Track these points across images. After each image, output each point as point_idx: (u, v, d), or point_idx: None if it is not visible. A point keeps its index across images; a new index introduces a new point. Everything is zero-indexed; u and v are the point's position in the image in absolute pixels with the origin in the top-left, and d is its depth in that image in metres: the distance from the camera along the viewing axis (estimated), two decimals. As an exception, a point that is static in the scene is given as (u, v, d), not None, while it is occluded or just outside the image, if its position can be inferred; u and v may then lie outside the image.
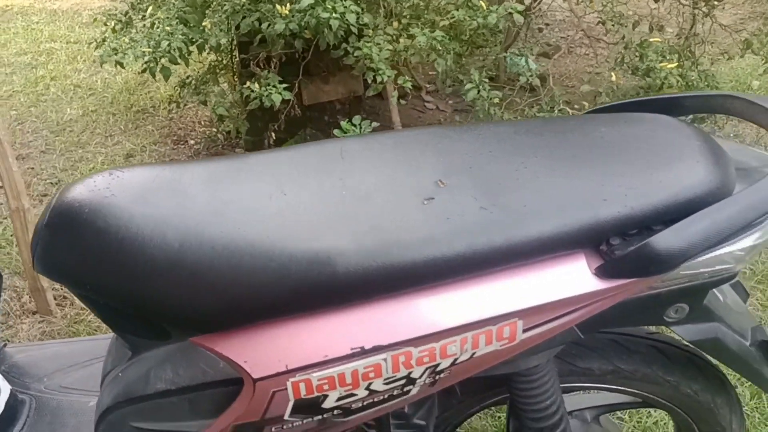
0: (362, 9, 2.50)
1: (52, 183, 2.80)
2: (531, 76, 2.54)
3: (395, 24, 2.48)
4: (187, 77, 2.87)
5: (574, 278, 0.83)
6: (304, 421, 0.92)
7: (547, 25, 4.82)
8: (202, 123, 3.22)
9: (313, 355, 0.85)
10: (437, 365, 0.86)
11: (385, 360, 0.85)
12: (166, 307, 0.89)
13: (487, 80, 2.45)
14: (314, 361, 0.85)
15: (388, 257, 0.82)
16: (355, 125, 2.38)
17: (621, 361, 1.07)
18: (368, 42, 2.36)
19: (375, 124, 2.43)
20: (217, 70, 2.90)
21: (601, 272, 0.82)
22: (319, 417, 0.92)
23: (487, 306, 0.83)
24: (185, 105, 3.11)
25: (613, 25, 2.55)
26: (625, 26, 2.54)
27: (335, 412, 0.91)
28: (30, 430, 1.31)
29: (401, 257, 0.82)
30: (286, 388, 0.87)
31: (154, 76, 2.49)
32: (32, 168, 2.89)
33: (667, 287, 0.86)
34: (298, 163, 0.99)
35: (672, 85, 2.45)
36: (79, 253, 0.90)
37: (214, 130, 3.11)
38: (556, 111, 2.56)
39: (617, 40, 2.64)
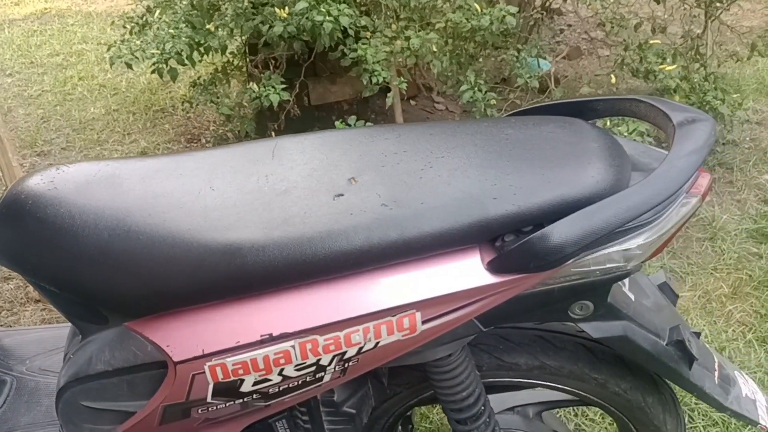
0: (360, 12, 2.56)
1: (69, 179, 2.92)
2: (530, 77, 2.55)
3: (394, 26, 2.53)
4: (199, 78, 2.97)
5: (467, 272, 0.87)
6: (227, 404, 0.98)
7: (569, 26, 4.79)
8: (216, 122, 3.32)
9: (226, 341, 0.91)
10: (344, 353, 0.91)
11: (293, 347, 0.90)
12: (99, 292, 0.96)
13: (482, 82, 2.48)
14: (227, 346, 0.91)
15: (294, 250, 0.87)
16: (350, 126, 2.44)
17: (547, 357, 1.09)
18: (364, 44, 2.41)
19: (369, 124, 2.48)
20: (228, 71, 2.99)
21: (492, 267, 0.86)
22: (240, 400, 0.98)
23: (386, 297, 0.88)
24: (199, 105, 3.20)
25: (612, 27, 2.55)
26: (626, 28, 2.53)
27: (254, 396, 0.97)
28: (9, 408, 1.41)
29: (305, 250, 0.87)
30: (204, 372, 0.93)
31: (161, 76, 2.59)
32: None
33: (560, 284, 0.89)
34: (233, 160, 1.05)
35: (671, 88, 2.43)
36: (24, 241, 0.98)
37: (225, 129, 3.21)
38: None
39: (619, 42, 2.64)
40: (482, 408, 1.08)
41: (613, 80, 2.54)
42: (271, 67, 2.76)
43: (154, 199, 0.97)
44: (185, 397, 0.97)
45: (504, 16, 2.33)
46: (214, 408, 0.99)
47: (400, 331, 0.90)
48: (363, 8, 2.66)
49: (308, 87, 2.96)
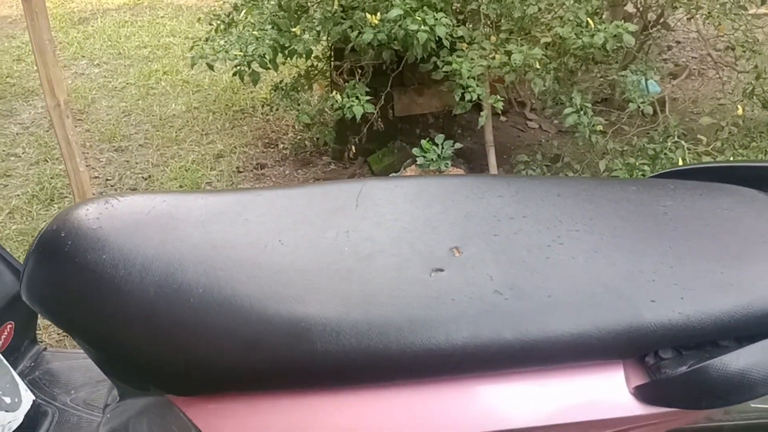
0: (458, 21, 2.35)
1: (143, 177, 2.85)
2: (643, 102, 2.28)
3: (493, 38, 2.31)
4: (281, 81, 2.83)
5: (604, 396, 0.65)
6: None
7: (678, 42, 4.43)
8: (295, 129, 3.18)
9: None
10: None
11: (365, 461, 0.71)
12: (139, 359, 0.80)
13: (589, 105, 2.22)
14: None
15: (375, 340, 0.68)
16: (437, 144, 2.23)
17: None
18: (460, 57, 2.20)
19: (458, 145, 2.27)
20: (311, 76, 2.85)
21: (642, 394, 0.64)
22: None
23: (495, 417, 0.67)
24: (279, 109, 3.08)
25: (744, 51, 2.24)
26: (759, 53, 2.22)
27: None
28: (47, 446, 1.28)
29: (390, 342, 0.67)
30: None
31: (242, 80, 2.47)
32: (128, 161, 2.97)
33: (732, 421, 0.66)
34: (309, 206, 0.87)
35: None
36: (59, 287, 0.83)
37: (304, 136, 3.07)
38: (669, 143, 2.29)
39: (749, 69, 2.32)
40: None
41: (740, 111, 2.24)
42: (357, 76, 2.59)
43: (213, 250, 0.80)
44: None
45: (621, 34, 2.07)
46: None
47: (508, 457, 0.69)
48: (460, 16, 2.45)
49: (393, 97, 2.78)
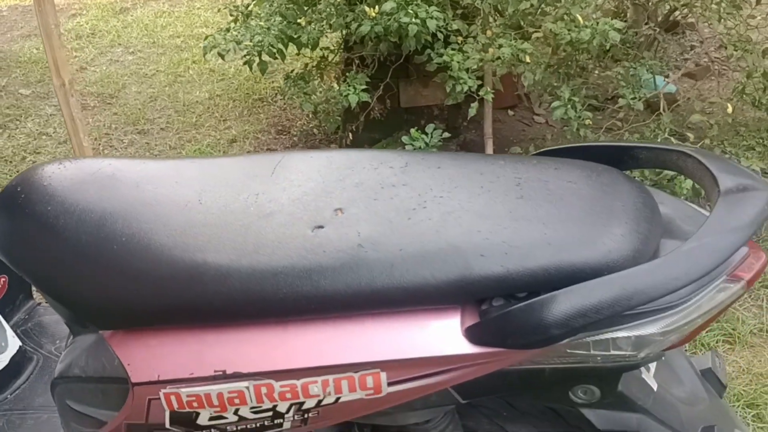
0: (455, 15, 2.43)
1: (160, 159, 3.02)
2: (633, 99, 2.32)
3: (489, 33, 2.38)
4: (292, 71, 2.96)
5: (442, 336, 0.75)
6: (187, 434, 0.92)
7: (701, 42, 4.39)
8: (308, 117, 3.31)
9: (180, 371, 0.84)
10: (302, 404, 0.82)
11: (247, 388, 0.82)
12: (74, 297, 0.93)
13: (577, 99, 2.28)
14: (181, 376, 0.84)
15: (255, 283, 0.79)
16: (426, 134, 2.32)
17: (556, 433, 0.95)
18: (453, 50, 2.29)
19: (446, 134, 2.35)
20: (321, 67, 2.96)
21: (471, 335, 0.73)
22: (200, 432, 0.91)
23: (348, 351, 0.77)
24: (293, 98, 3.20)
25: (736, 50, 2.26)
26: (752, 53, 2.24)
27: (212, 431, 0.90)
28: (29, 387, 1.43)
29: (267, 285, 0.78)
30: (159, 398, 0.87)
31: (251, 68, 2.60)
32: (148, 143, 3.14)
33: (552, 364, 0.74)
34: (233, 172, 0.98)
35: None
36: (13, 235, 0.96)
37: (314, 124, 3.19)
38: (659, 140, 2.33)
39: (742, 68, 2.34)
40: (469, 481, 0.95)
41: (730, 110, 2.26)
42: (361, 66, 2.69)
43: (142, 207, 0.92)
44: (144, 419, 0.91)
45: (608, 31, 2.12)
46: (175, 435, 0.93)
47: (363, 389, 0.79)
48: (460, 11, 2.53)
49: (398, 89, 2.87)
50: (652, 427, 0.81)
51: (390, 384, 0.78)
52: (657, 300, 0.66)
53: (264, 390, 0.81)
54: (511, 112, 3.29)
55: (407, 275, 0.74)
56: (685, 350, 0.90)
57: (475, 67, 2.28)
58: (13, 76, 3.93)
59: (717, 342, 2.01)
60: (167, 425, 0.90)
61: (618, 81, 2.44)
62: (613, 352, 0.71)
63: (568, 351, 0.72)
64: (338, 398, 0.80)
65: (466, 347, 0.73)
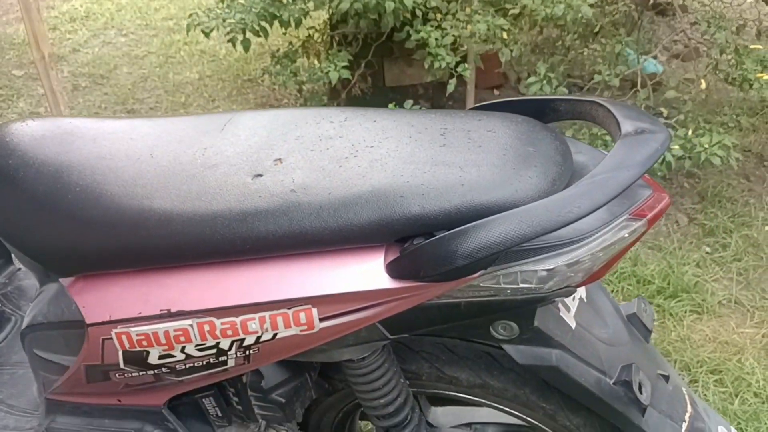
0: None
1: (149, 137, 3.07)
2: (609, 75, 2.36)
3: (468, 10, 2.42)
4: (278, 50, 3.00)
5: (366, 273, 0.80)
6: (140, 374, 0.97)
7: (692, 24, 4.40)
8: (297, 96, 3.34)
9: (129, 310, 0.90)
10: (242, 340, 0.87)
11: (191, 326, 0.87)
12: (33, 245, 0.98)
13: (552, 75, 2.32)
14: (130, 315, 0.90)
15: (195, 227, 0.84)
16: (402, 107, 2.36)
17: (491, 376, 1.00)
18: (431, 26, 2.33)
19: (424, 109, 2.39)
20: (307, 46, 3.00)
21: (391, 270, 0.78)
22: (152, 372, 0.96)
23: (282, 288, 0.83)
24: (281, 77, 3.25)
25: (709, 26, 2.29)
26: (725, 29, 2.27)
27: (164, 369, 0.95)
28: (6, 345, 1.49)
29: (206, 229, 0.83)
30: (112, 338, 0.92)
31: (234, 46, 2.64)
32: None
33: (467, 298, 0.79)
34: (185, 129, 1.03)
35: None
36: (-22, 188, 1.01)
37: (299, 104, 3.23)
38: (634, 115, 2.37)
39: (717, 44, 2.37)
40: (407, 418, 1.00)
41: (703, 85, 2.30)
42: (344, 44, 2.73)
43: (96, 160, 0.97)
44: (100, 359, 0.97)
45: (580, 6, 2.16)
46: (129, 375, 0.98)
47: (297, 325, 0.84)
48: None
49: (383, 68, 2.91)
50: (570, 362, 0.86)
51: (322, 320, 0.83)
52: (555, 231, 0.70)
53: (207, 327, 0.87)
54: (496, 92, 3.33)
55: (334, 217, 0.79)
56: (615, 297, 0.94)
57: (453, 43, 2.32)
58: (7, 58, 3.98)
59: (685, 312, 2.06)
60: (121, 365, 0.96)
61: (594, 59, 2.47)
62: (521, 285, 0.76)
63: (481, 285, 0.77)
64: (275, 334, 0.86)
65: (388, 282, 0.78)
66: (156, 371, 0.96)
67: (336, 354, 0.92)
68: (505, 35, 2.30)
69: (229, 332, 0.87)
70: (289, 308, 0.83)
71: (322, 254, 0.82)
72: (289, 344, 0.87)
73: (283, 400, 1.07)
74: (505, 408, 1.03)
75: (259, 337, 0.87)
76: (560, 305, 0.88)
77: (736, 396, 1.78)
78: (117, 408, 1.12)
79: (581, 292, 0.94)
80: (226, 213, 0.83)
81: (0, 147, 1.00)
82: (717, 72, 2.31)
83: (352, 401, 1.16)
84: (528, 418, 1.03)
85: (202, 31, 2.65)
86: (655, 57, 3.03)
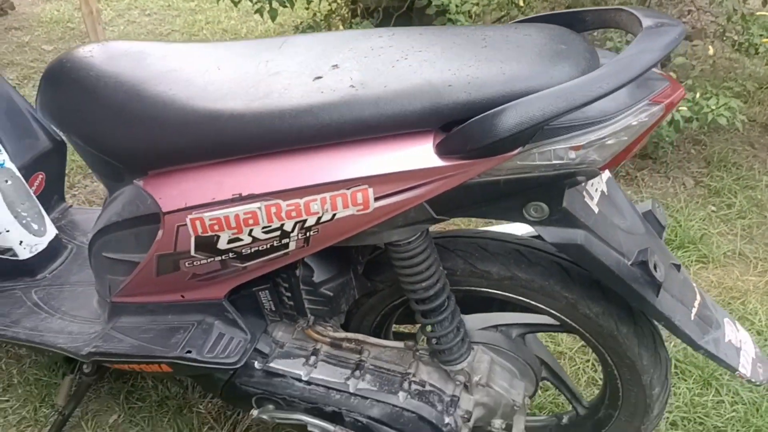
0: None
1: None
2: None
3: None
4: (301, 23, 3.12)
5: (417, 154, 0.91)
6: (209, 260, 1.09)
7: (699, 8, 4.50)
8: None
9: (204, 197, 1.02)
10: (305, 221, 0.99)
11: (259, 209, 0.99)
12: (113, 147, 1.10)
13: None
14: (204, 201, 1.02)
15: (265, 120, 0.96)
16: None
17: (519, 269, 1.12)
18: (451, -7, 2.44)
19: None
20: (329, 17, 3.12)
21: (439, 149, 0.90)
22: (219, 258, 1.08)
23: (341, 170, 0.95)
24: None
25: (717, -6, 2.40)
26: (732, -4, 2.38)
27: (231, 255, 1.07)
28: (65, 268, 1.62)
29: (275, 121, 0.95)
30: (186, 224, 1.05)
31: (262, 15, 2.76)
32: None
33: (505, 176, 0.91)
34: (247, 49, 1.15)
35: (774, 63, 2.27)
36: (61, 98, 1.14)
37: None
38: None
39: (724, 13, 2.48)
40: (444, 304, 1.12)
41: (711, 51, 2.41)
42: (366, 15, 2.85)
43: (168, 73, 1.09)
44: (173, 247, 1.09)
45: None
46: (198, 263, 1.10)
47: (354, 205, 0.96)
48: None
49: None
50: (593, 243, 0.97)
51: (377, 199, 0.95)
52: (584, 107, 0.82)
53: (273, 210, 0.99)
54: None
55: (390, 105, 0.91)
56: (629, 198, 1.06)
57: (474, 9, 2.44)
58: (36, 34, 4.12)
59: (691, 261, 2.17)
60: (192, 251, 1.08)
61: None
62: (554, 162, 0.88)
63: (519, 162, 0.89)
64: (334, 215, 0.98)
65: (436, 161, 0.90)
66: (223, 257, 1.08)
67: (386, 235, 1.04)
68: (521, 2, 2.42)
69: (294, 213, 0.99)
70: (348, 188, 0.95)
71: (379, 140, 0.94)
72: (346, 225, 0.99)
73: (331, 294, 1.19)
74: (529, 300, 1.15)
75: (319, 218, 0.98)
76: (584, 193, 1.00)
77: (740, 334, 1.89)
78: (180, 304, 1.24)
79: (602, 185, 1.05)
80: (293, 107, 0.95)
81: (83, 63, 1.12)
82: (724, 39, 2.42)
83: (390, 303, 1.28)
84: (551, 310, 1.14)
85: (232, 1, 2.77)
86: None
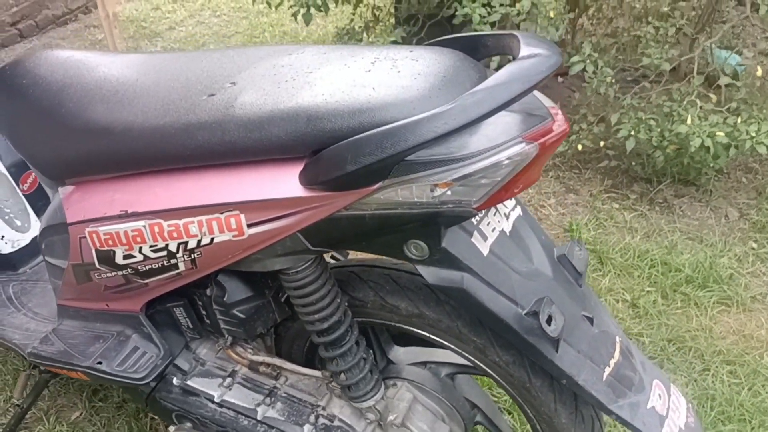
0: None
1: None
2: (659, 59, 2.30)
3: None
4: (343, 28, 3.11)
5: (283, 181, 0.87)
6: (112, 274, 1.09)
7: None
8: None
9: (97, 211, 1.02)
10: (186, 243, 0.97)
11: (144, 227, 0.98)
12: (33, 155, 1.13)
13: (596, 55, 2.29)
14: (97, 215, 1.02)
15: (151, 135, 0.95)
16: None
17: (427, 307, 1.05)
18: (478, 4, 2.35)
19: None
20: (369, 24, 3.09)
21: (300, 178, 0.85)
22: (121, 273, 1.08)
23: (214, 193, 0.92)
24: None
25: (770, 11, 2.18)
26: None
27: (130, 270, 1.07)
28: (42, 266, 1.67)
29: (158, 136, 0.94)
30: (86, 236, 1.05)
31: (296, 19, 2.77)
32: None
33: (371, 211, 0.85)
34: (174, 61, 1.13)
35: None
36: (3, 105, 1.17)
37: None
38: (685, 102, 2.30)
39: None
40: (345, 337, 1.07)
41: (759, 72, 2.20)
42: (403, 24, 2.80)
43: (88, 83, 1.10)
44: (80, 258, 1.10)
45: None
46: (105, 275, 1.11)
47: (230, 230, 0.93)
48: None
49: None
50: (477, 286, 0.89)
51: (249, 226, 0.91)
52: (431, 142, 0.75)
53: (156, 229, 0.97)
54: (560, 79, 3.29)
55: (259, 129, 0.87)
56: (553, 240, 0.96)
57: (501, 21, 2.34)
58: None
59: (711, 303, 1.99)
60: (96, 264, 1.09)
61: (647, 43, 2.41)
62: (416, 200, 0.81)
63: (381, 197, 0.83)
64: (212, 239, 0.95)
65: (299, 190, 0.86)
66: (124, 272, 1.08)
67: (269, 263, 1.00)
68: (551, 14, 2.30)
69: (175, 234, 0.97)
70: (221, 213, 0.92)
71: (251, 164, 0.90)
72: (226, 249, 0.96)
73: (244, 316, 1.16)
74: (438, 339, 1.07)
75: (199, 241, 0.96)
76: (476, 233, 0.92)
77: (749, 389, 1.71)
78: (106, 313, 1.25)
79: (504, 223, 0.97)
80: (174, 124, 0.93)
81: (20, 70, 1.15)
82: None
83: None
84: (462, 352, 1.06)
85: (267, 3, 2.80)
86: (740, 53, 2.90)
